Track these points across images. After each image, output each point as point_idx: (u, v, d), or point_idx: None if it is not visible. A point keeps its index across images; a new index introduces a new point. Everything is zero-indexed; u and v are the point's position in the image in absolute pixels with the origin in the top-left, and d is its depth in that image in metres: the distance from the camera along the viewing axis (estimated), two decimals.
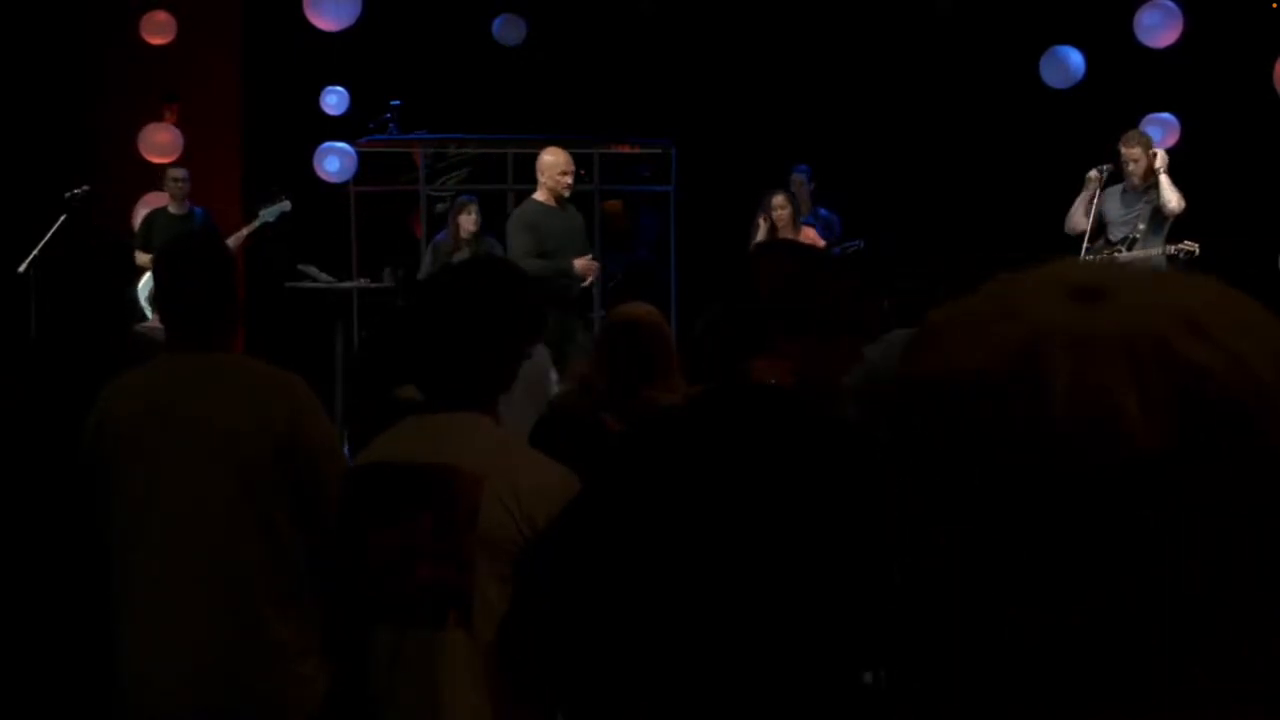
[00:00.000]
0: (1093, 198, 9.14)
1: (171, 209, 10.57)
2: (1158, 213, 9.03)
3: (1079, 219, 9.20)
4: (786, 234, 10.14)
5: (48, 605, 3.60)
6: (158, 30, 10.98)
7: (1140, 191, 9.08)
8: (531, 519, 2.64)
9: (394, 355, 2.82)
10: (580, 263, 8.67)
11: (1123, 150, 9.08)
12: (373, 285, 11.02)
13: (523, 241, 8.64)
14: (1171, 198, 8.94)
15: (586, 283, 8.90)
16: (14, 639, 3.63)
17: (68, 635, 3.55)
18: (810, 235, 10.25)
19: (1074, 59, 10.15)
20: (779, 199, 10.27)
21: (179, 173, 10.57)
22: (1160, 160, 9.05)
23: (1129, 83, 10.40)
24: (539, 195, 8.80)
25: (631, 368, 4.35)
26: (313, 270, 11.23)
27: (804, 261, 2.57)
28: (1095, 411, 0.77)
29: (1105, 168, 9.13)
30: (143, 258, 10.23)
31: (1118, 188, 9.17)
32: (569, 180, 8.78)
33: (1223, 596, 0.78)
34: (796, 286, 2.48)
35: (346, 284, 11.06)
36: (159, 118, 11.28)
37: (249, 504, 3.22)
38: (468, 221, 10.46)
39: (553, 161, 8.78)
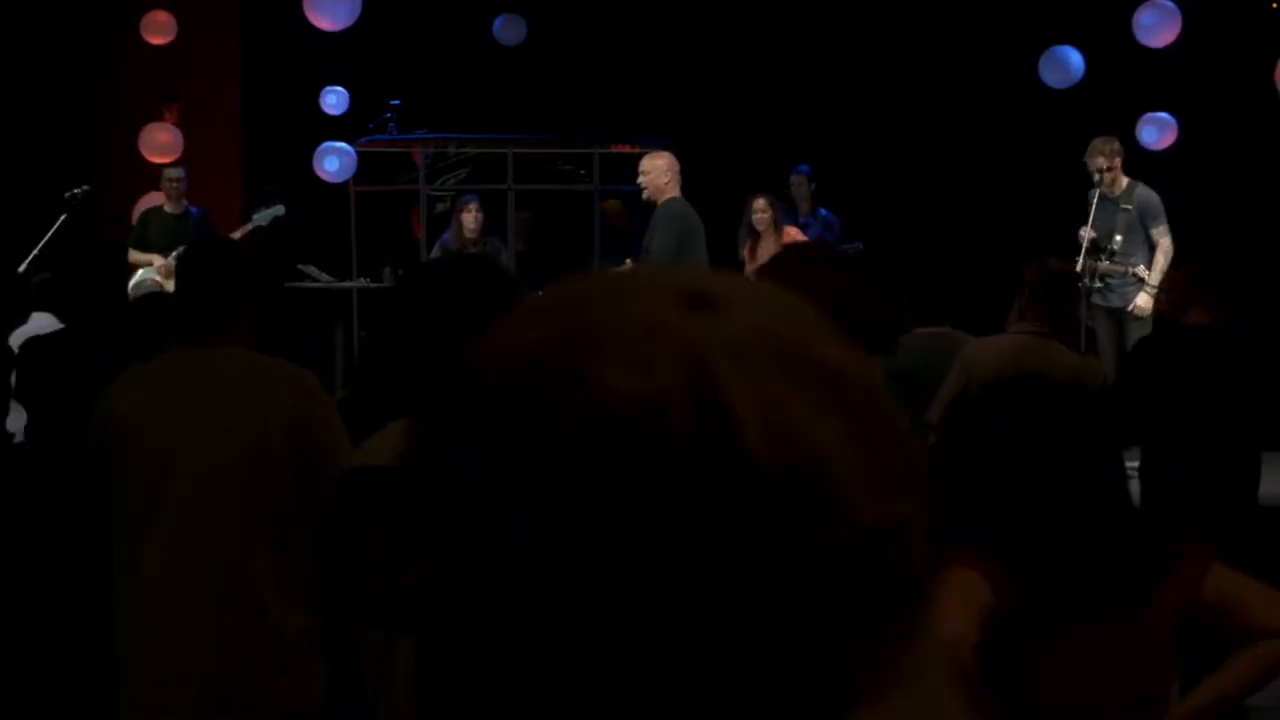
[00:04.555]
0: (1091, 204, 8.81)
1: (167, 208, 10.53)
2: (1135, 223, 8.68)
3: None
4: (767, 238, 9.85)
5: (52, 599, 3.61)
6: (158, 30, 10.98)
7: (1114, 200, 8.72)
8: None
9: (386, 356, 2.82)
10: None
11: (1086, 163, 8.72)
12: (373, 285, 11.02)
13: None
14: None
15: None
16: (17, 632, 3.64)
17: (72, 628, 3.55)
18: (793, 234, 9.98)
19: (1073, 59, 10.15)
20: (760, 203, 9.98)
21: (175, 172, 10.54)
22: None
23: (1128, 82, 10.40)
24: None
25: None
26: (313, 270, 11.23)
27: (825, 264, 2.54)
28: (788, 434, 0.70)
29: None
30: (136, 255, 10.20)
31: (1098, 193, 8.78)
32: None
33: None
34: (815, 290, 2.46)
35: (346, 284, 11.06)
36: (159, 118, 11.28)
37: (258, 498, 3.23)
38: (469, 220, 10.45)
39: None
